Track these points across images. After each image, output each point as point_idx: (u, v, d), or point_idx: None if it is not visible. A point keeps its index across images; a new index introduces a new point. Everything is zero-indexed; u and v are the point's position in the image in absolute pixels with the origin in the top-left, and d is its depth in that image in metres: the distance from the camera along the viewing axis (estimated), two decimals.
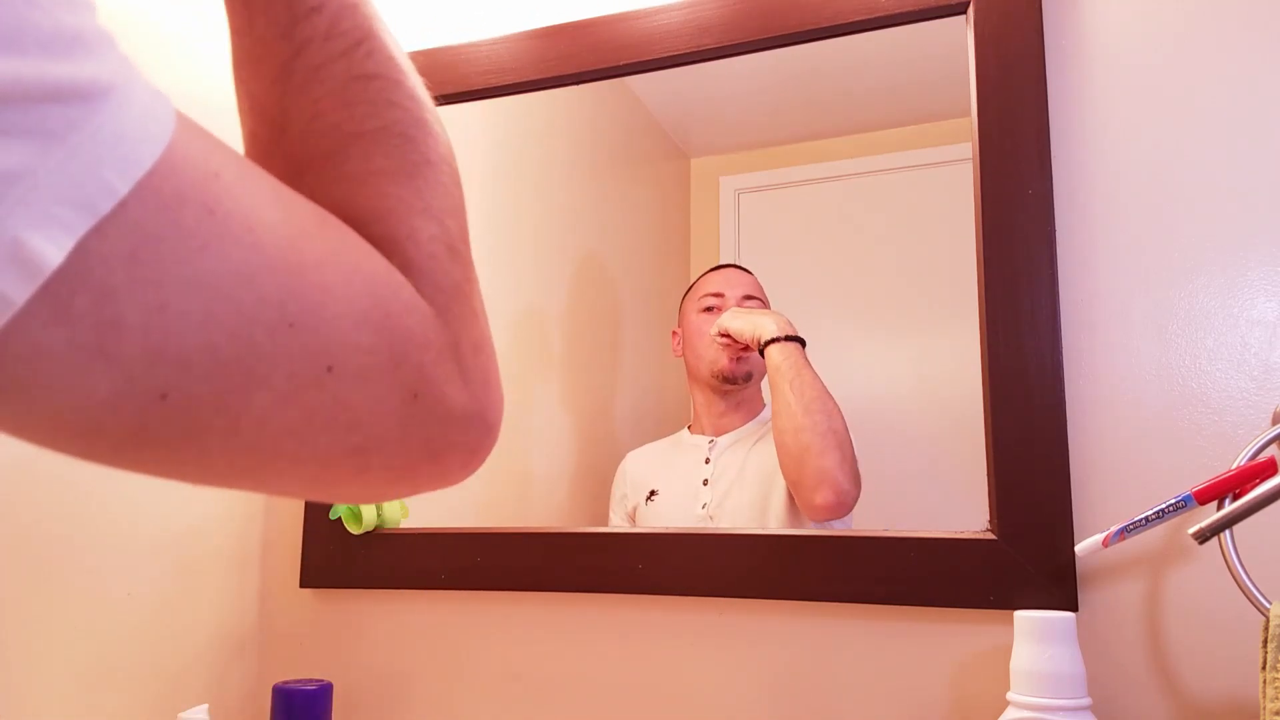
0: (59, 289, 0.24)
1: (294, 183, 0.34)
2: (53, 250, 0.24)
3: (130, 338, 0.26)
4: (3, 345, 0.24)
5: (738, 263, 1.12)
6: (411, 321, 0.33)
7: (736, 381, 1.09)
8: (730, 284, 1.10)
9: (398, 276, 0.34)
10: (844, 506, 0.95)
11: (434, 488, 0.38)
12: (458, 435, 0.36)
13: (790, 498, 1.00)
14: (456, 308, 0.36)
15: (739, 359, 1.07)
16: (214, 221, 0.28)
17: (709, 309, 1.10)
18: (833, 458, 0.95)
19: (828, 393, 0.98)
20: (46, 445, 0.28)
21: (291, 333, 0.29)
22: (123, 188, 0.25)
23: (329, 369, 0.31)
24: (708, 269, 1.13)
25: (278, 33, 0.38)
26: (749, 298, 1.09)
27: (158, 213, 0.26)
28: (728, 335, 1.06)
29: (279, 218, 0.30)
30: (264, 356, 0.29)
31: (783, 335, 1.00)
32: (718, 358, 1.08)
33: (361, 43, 0.38)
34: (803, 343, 1.01)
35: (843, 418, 0.97)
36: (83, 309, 0.25)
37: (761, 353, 1.01)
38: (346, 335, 0.31)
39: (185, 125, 0.28)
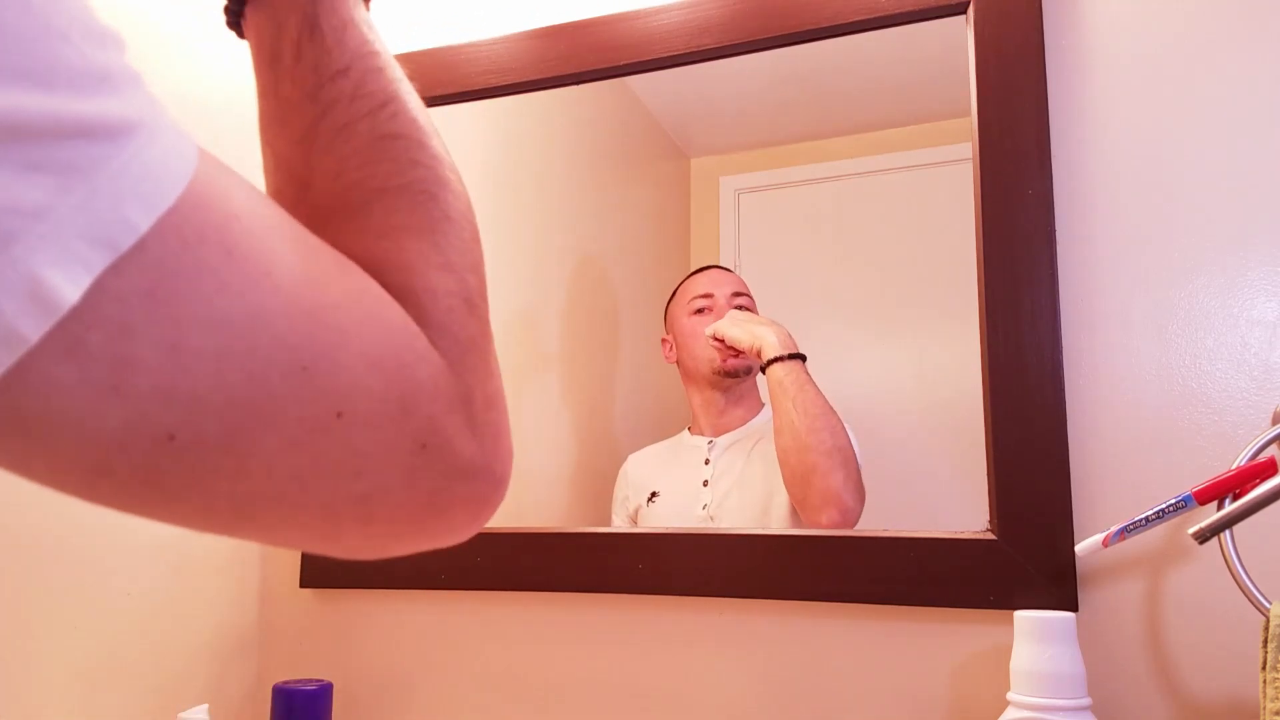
0: (73, 326, 0.24)
1: (317, 235, 0.35)
2: (70, 288, 0.24)
3: (143, 375, 0.26)
4: (14, 381, 0.24)
5: (723, 264, 1.13)
6: (423, 372, 0.33)
7: (737, 375, 1.09)
8: (718, 284, 1.11)
9: (413, 327, 0.34)
10: (849, 525, 0.95)
11: (440, 543, 0.38)
12: (464, 488, 0.36)
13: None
14: (470, 361, 0.36)
15: (737, 354, 1.07)
16: (232, 262, 0.28)
17: (700, 310, 1.10)
18: (838, 477, 0.96)
19: (831, 409, 0.98)
20: (50, 484, 0.28)
21: (304, 376, 0.29)
22: (143, 224, 0.25)
23: (339, 414, 0.30)
24: (689, 273, 1.13)
25: (305, 94, 0.38)
26: (738, 295, 1.09)
27: (177, 251, 0.26)
28: (722, 341, 1.05)
29: (297, 261, 0.30)
30: (275, 399, 0.29)
31: (786, 354, 1.00)
32: (714, 356, 1.08)
33: (387, 104, 0.39)
34: (803, 358, 1.00)
35: (846, 433, 0.97)
36: (97, 346, 0.25)
37: (763, 370, 1.01)
38: (359, 381, 0.31)
39: (208, 164, 0.28)
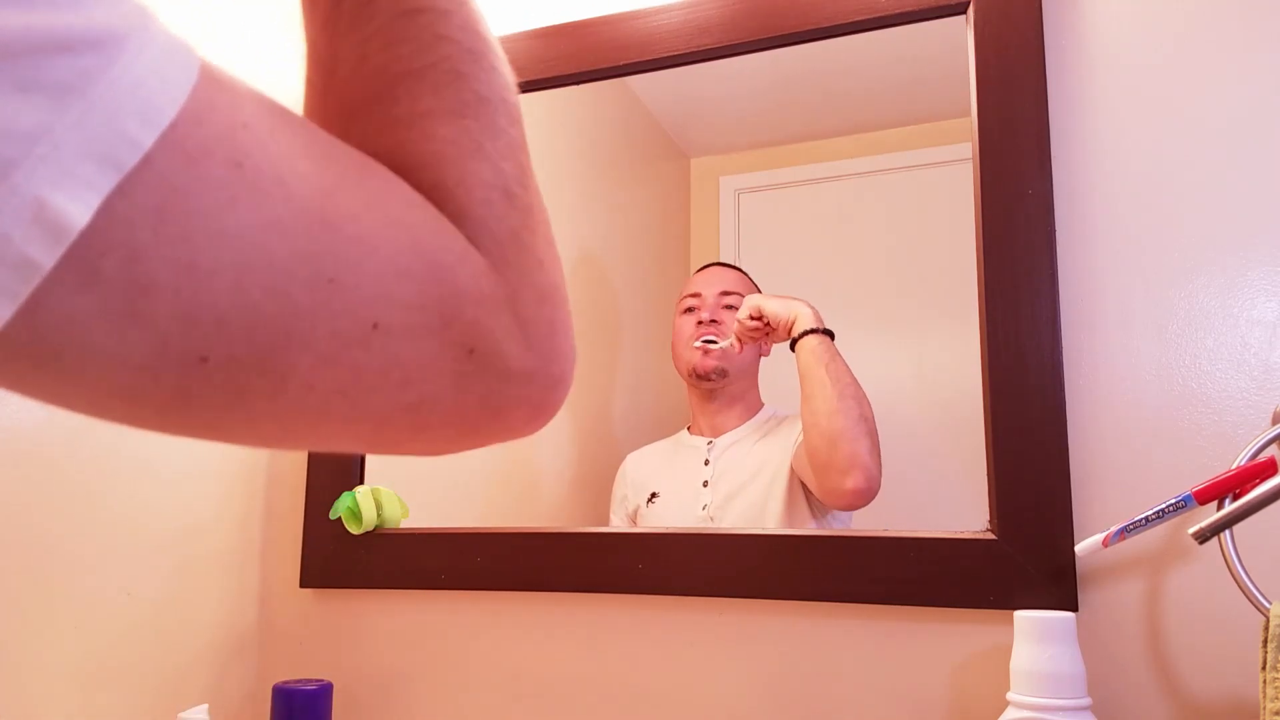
0: (85, 252, 0.23)
1: (344, 130, 0.33)
2: (79, 209, 0.23)
3: (162, 299, 0.25)
4: (33, 314, 0.23)
5: (725, 260, 1.13)
6: (463, 273, 0.32)
7: (710, 378, 1.09)
8: (708, 283, 1.11)
9: (448, 227, 0.32)
10: (871, 493, 0.95)
11: (501, 440, 0.36)
12: (518, 391, 0.34)
13: (789, 499, 1.00)
14: (514, 256, 0.34)
15: (708, 353, 1.08)
16: (242, 174, 0.26)
17: (688, 310, 1.11)
18: (864, 444, 0.96)
19: (858, 382, 0.98)
20: (91, 414, 0.28)
21: (332, 289, 0.28)
22: (146, 139, 0.24)
23: (374, 326, 0.29)
24: (695, 270, 1.13)
25: None
26: (726, 294, 1.09)
27: (183, 166, 0.25)
28: (761, 317, 1.05)
29: (313, 169, 0.29)
30: (304, 314, 0.27)
31: (820, 327, 1.01)
32: (690, 355, 1.09)
33: None
34: (832, 335, 1.01)
35: (871, 408, 0.98)
36: (111, 272, 0.24)
37: (793, 345, 1.01)
38: (391, 290, 0.30)
39: (210, 73, 0.27)
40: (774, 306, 1.04)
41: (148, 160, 0.24)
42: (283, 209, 0.27)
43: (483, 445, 0.36)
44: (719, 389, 1.09)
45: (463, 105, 0.35)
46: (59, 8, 0.23)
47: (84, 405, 0.27)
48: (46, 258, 0.23)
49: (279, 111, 0.30)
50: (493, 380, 0.33)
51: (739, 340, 1.07)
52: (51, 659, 0.87)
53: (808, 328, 1.00)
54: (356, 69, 0.35)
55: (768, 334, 1.05)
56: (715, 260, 1.13)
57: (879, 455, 0.96)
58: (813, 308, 1.02)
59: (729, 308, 1.09)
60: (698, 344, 1.08)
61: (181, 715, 0.88)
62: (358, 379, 0.29)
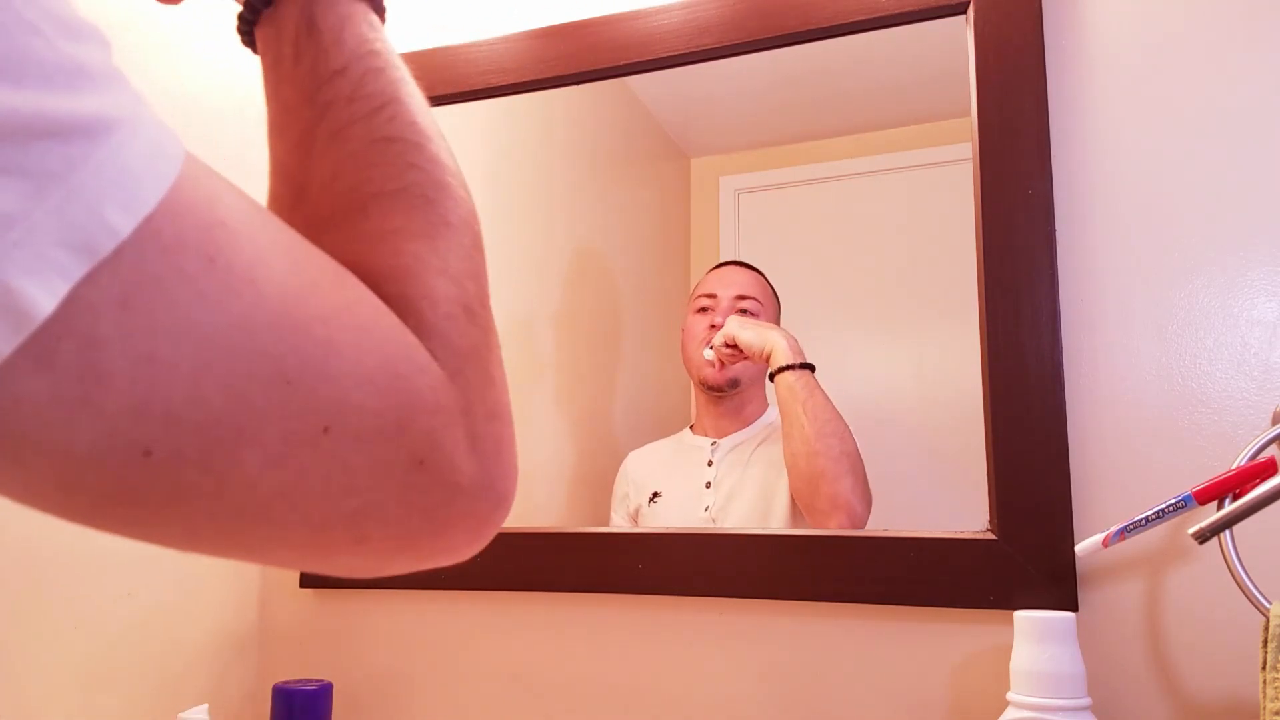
0: (44, 337, 0.23)
1: (314, 242, 0.34)
2: (45, 298, 0.23)
3: (116, 389, 0.24)
4: None
5: (741, 260, 1.12)
6: (421, 384, 0.32)
7: (721, 389, 1.08)
8: (724, 284, 1.10)
9: (410, 338, 0.32)
10: (857, 529, 0.95)
11: (438, 563, 0.36)
12: (464, 506, 0.34)
13: (793, 502, 1.00)
14: (471, 372, 0.34)
15: (723, 366, 1.07)
16: (213, 271, 0.26)
17: (702, 309, 1.10)
18: (846, 483, 0.96)
19: (839, 415, 0.98)
20: (25, 502, 0.27)
21: (288, 390, 0.28)
22: (124, 228, 0.24)
23: (325, 429, 0.29)
24: (711, 266, 1.12)
25: (303, 98, 0.37)
26: (742, 297, 1.08)
27: (155, 258, 0.25)
28: (735, 345, 1.05)
29: (285, 270, 0.29)
30: (257, 414, 0.27)
31: (796, 363, 1.00)
32: (702, 365, 1.08)
33: (385, 106, 0.38)
34: (812, 368, 1.00)
35: (854, 439, 0.98)
36: (68, 358, 0.24)
37: (772, 377, 1.01)
38: (348, 395, 0.29)
39: (194, 166, 0.27)
40: (748, 337, 1.04)
41: (121, 250, 0.24)
42: (251, 309, 0.27)
43: (417, 568, 0.36)
44: (724, 398, 1.09)
45: (431, 227, 0.36)
46: (52, 91, 0.23)
47: (18, 490, 0.26)
48: (5, 346, 0.23)
49: (257, 210, 0.30)
50: (439, 493, 0.33)
51: (719, 360, 1.07)
52: (51, 659, 0.87)
53: (783, 364, 1.00)
54: (328, 186, 0.36)
55: (730, 363, 1.05)
56: (732, 259, 1.12)
57: (864, 488, 0.96)
58: (790, 339, 1.02)
59: (743, 312, 1.08)
60: (709, 355, 1.08)
61: (181, 715, 0.88)
62: (302, 482, 0.29)
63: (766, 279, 1.10)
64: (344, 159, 0.36)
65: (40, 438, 0.24)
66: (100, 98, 0.25)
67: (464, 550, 0.36)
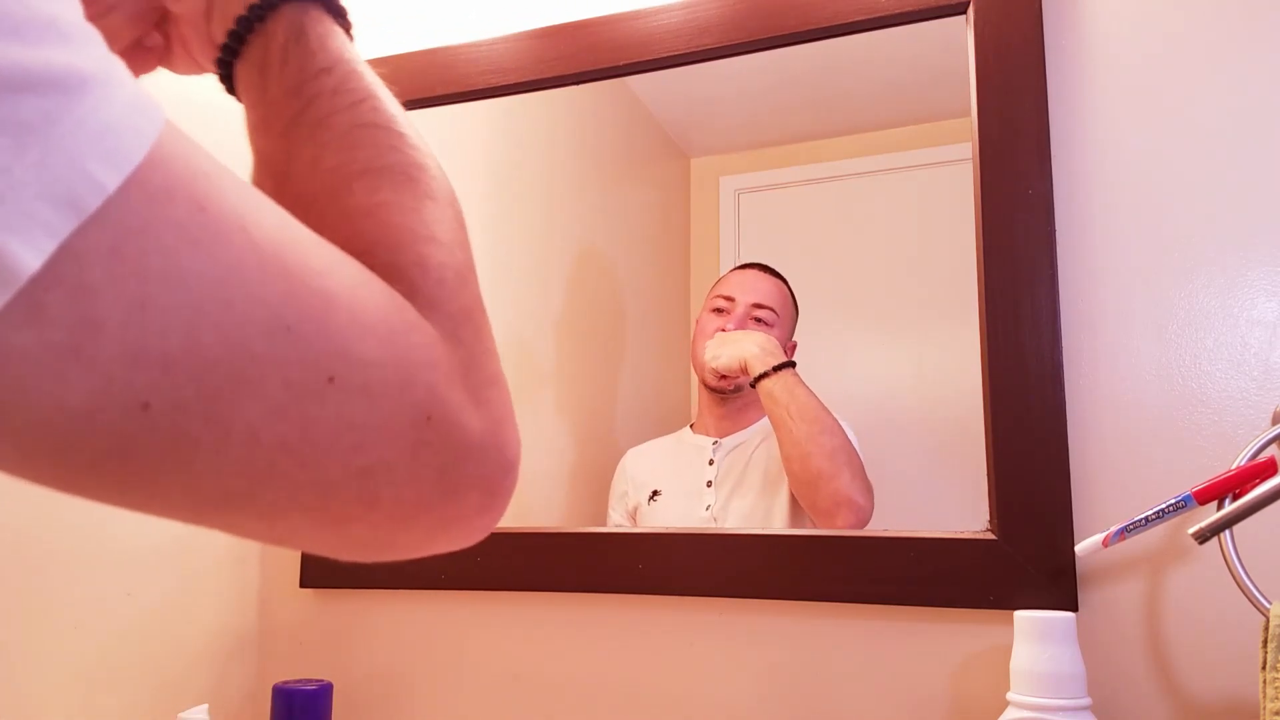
0: (33, 289, 0.23)
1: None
2: (30, 255, 0.22)
3: (108, 337, 0.24)
4: None
5: (767, 265, 1.11)
6: (417, 340, 0.31)
7: (726, 391, 1.08)
8: (744, 289, 1.09)
9: (401, 300, 0.32)
10: (863, 524, 0.95)
11: (449, 535, 0.35)
12: (475, 467, 0.33)
13: (794, 502, 1.00)
14: (466, 334, 0.34)
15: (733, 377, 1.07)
16: (205, 217, 0.26)
17: (718, 310, 1.09)
18: (844, 478, 0.96)
19: (826, 410, 0.98)
20: (18, 471, 0.26)
21: (289, 337, 0.27)
22: (111, 183, 0.24)
23: (331, 379, 0.28)
24: (736, 265, 1.12)
25: (288, 91, 0.39)
26: (758, 306, 1.07)
27: (144, 206, 0.24)
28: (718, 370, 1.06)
29: (277, 222, 0.29)
30: (257, 361, 0.26)
31: (770, 368, 1.00)
32: (708, 366, 1.08)
33: (366, 99, 0.39)
34: (791, 365, 1.00)
35: (844, 432, 0.97)
36: (57, 309, 0.23)
37: (754, 385, 1.01)
38: (350, 345, 0.29)
39: (172, 128, 0.27)
40: (724, 361, 1.04)
41: (108, 204, 0.24)
42: (244, 254, 0.27)
43: (430, 541, 0.35)
44: (730, 399, 1.09)
45: (416, 200, 0.37)
46: (25, 43, 0.23)
47: (14, 457, 0.25)
48: None
49: (238, 177, 0.30)
50: (449, 451, 0.32)
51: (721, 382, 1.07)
52: (51, 659, 0.87)
53: (759, 371, 1.00)
54: (312, 169, 0.37)
55: (730, 378, 1.06)
56: (758, 262, 1.11)
57: (863, 480, 0.96)
58: (759, 345, 1.01)
59: (759, 320, 1.07)
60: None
61: (181, 715, 0.88)
62: (308, 436, 0.28)
63: (788, 286, 1.09)
64: (327, 143, 0.37)
65: (35, 392, 0.23)
66: (73, 52, 0.24)
67: (475, 521, 0.35)
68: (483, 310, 0.37)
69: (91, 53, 0.25)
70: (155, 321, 0.24)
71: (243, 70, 0.42)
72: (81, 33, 0.25)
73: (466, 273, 0.37)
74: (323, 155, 0.37)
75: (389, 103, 0.41)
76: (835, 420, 0.97)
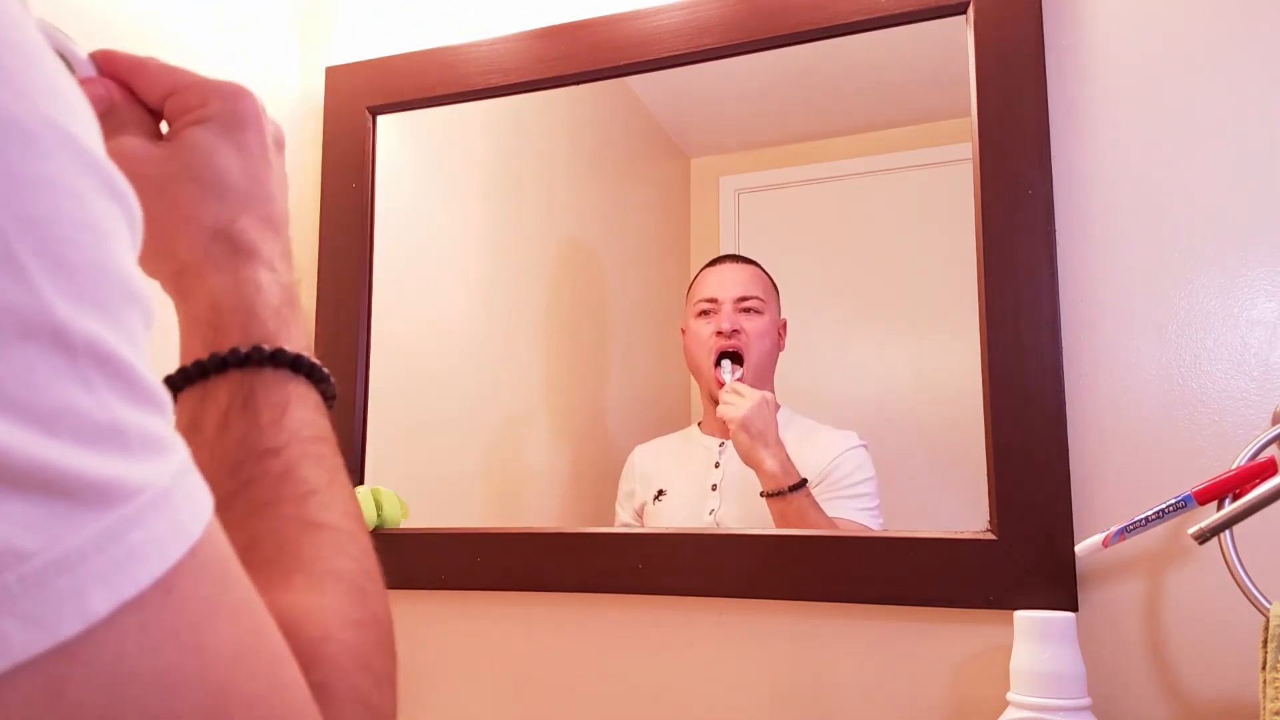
0: None
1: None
2: None
3: None
4: None
5: (736, 254, 1.11)
6: None
7: None
8: (724, 287, 1.08)
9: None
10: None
11: None
12: None
13: None
14: None
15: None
16: (172, 677, 0.25)
17: (704, 313, 1.08)
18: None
19: (835, 529, 0.96)
20: None
21: None
22: (99, 611, 0.23)
23: None
24: (706, 263, 1.11)
25: (222, 470, 0.36)
26: (743, 299, 1.07)
27: (112, 650, 0.24)
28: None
29: (237, 655, 0.28)
30: None
31: (784, 488, 0.97)
32: (712, 376, 1.06)
33: (317, 494, 0.37)
34: (803, 483, 0.97)
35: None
36: None
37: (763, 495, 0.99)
38: None
39: (206, 543, 0.26)
40: (739, 440, 1.01)
41: (83, 637, 0.23)
42: (192, 693, 0.25)
43: None
44: None
45: (362, 616, 0.36)
46: (78, 448, 0.23)
47: None
48: None
49: (234, 587, 0.28)
50: None
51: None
52: None
53: (772, 491, 0.97)
54: (244, 554, 0.33)
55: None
56: (728, 255, 1.10)
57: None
58: (778, 461, 0.98)
59: (747, 311, 1.07)
60: (722, 376, 1.06)
61: None
62: None
63: (763, 269, 1.09)
64: (266, 534, 0.35)
65: None
66: (128, 464, 0.24)
67: None
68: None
69: (148, 467, 0.25)
70: None
71: (179, 404, 0.38)
72: (147, 443, 0.25)
73: (389, 709, 0.36)
74: (257, 545, 0.34)
75: (343, 497, 0.39)
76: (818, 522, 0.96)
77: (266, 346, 0.39)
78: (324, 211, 1.14)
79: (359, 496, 1.04)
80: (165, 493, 0.25)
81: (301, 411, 0.39)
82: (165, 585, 0.25)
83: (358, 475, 1.09)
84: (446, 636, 1.03)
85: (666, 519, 1.07)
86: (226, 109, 0.43)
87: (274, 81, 1.17)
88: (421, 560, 1.03)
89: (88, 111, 0.27)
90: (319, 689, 0.31)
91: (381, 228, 1.13)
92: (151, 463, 0.25)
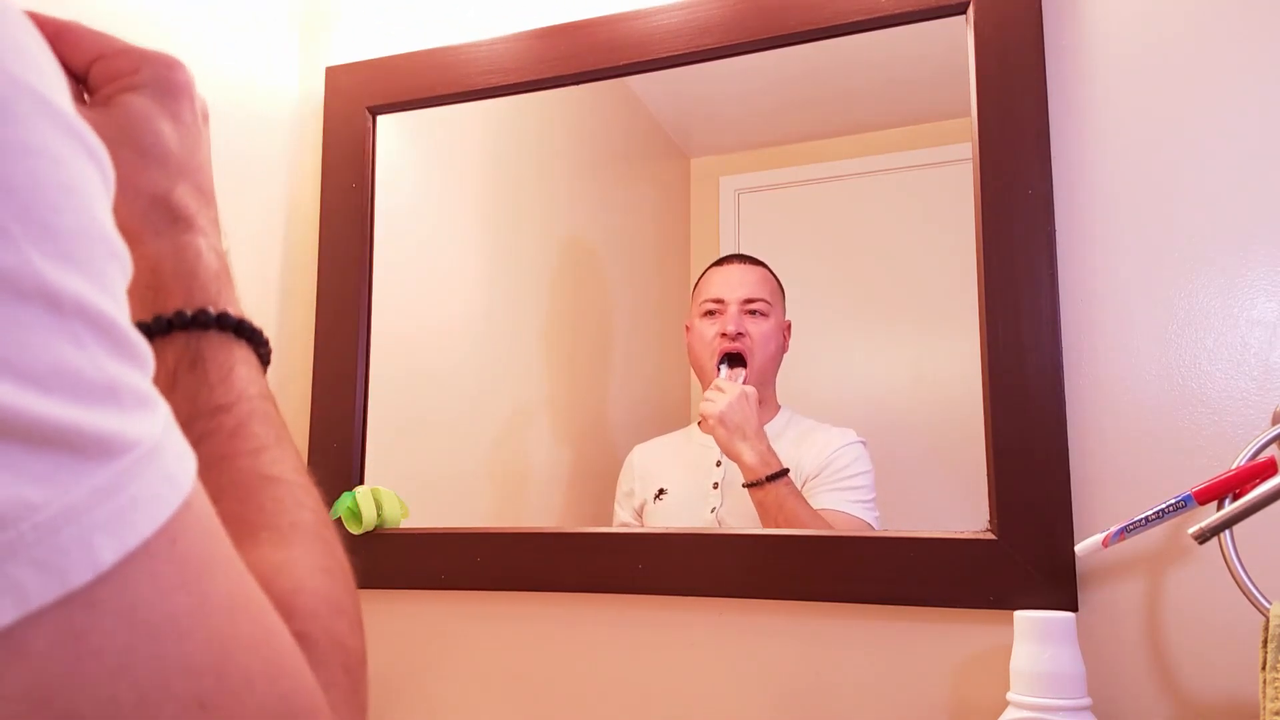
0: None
1: None
2: None
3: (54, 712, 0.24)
4: None
5: (743, 254, 1.10)
6: (309, 702, 0.31)
7: None
8: (730, 288, 1.08)
9: (312, 681, 0.32)
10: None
11: None
12: None
13: None
14: (352, 714, 0.35)
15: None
16: (176, 619, 0.26)
17: (709, 313, 1.08)
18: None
19: (817, 518, 0.97)
20: None
21: (202, 715, 0.27)
22: (107, 560, 0.24)
23: None
24: (712, 262, 1.11)
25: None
26: (750, 301, 1.07)
27: (119, 595, 0.25)
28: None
29: (231, 604, 0.29)
30: None
31: (763, 478, 0.98)
32: (713, 378, 1.07)
33: (269, 449, 0.38)
34: (785, 472, 0.98)
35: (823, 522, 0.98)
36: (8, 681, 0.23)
37: (745, 486, 1.00)
38: None
39: (194, 499, 0.27)
40: (719, 434, 1.02)
41: (95, 583, 0.24)
42: (190, 637, 0.27)
43: None
44: None
45: (327, 562, 0.37)
46: (76, 405, 0.24)
47: None
48: None
49: (220, 543, 0.29)
50: None
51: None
52: None
53: (751, 481, 0.99)
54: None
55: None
56: (734, 255, 1.10)
57: None
58: (757, 452, 0.99)
59: (752, 313, 1.07)
60: (723, 377, 1.06)
61: None
62: None
63: (770, 270, 1.09)
64: (226, 487, 0.36)
65: None
66: (122, 419, 0.25)
67: None
68: (365, 682, 0.38)
69: (139, 421, 0.26)
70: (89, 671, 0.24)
71: None
72: (137, 398, 0.26)
73: (360, 647, 0.37)
74: (219, 500, 0.35)
75: (293, 454, 0.40)
76: (825, 524, 0.97)
77: (212, 309, 0.40)
78: (324, 211, 1.14)
79: (359, 496, 1.04)
80: (158, 445, 0.26)
81: (245, 371, 0.40)
82: (169, 535, 0.26)
83: (358, 475, 1.09)
84: (447, 636, 1.03)
85: (667, 518, 1.07)
86: (160, 76, 0.43)
87: (274, 81, 1.17)
88: (421, 560, 1.03)
89: (55, 67, 0.27)
90: (299, 638, 0.32)
91: (381, 227, 1.13)
92: (143, 417, 0.26)
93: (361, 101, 1.13)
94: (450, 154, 1.21)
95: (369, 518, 1.04)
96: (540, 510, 1.15)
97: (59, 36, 0.43)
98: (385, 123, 1.14)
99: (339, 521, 1.05)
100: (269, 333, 0.43)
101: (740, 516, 1.03)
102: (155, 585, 0.25)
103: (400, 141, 1.15)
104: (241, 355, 0.41)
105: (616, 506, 1.10)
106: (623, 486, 1.10)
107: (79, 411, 0.24)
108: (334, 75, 1.16)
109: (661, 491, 1.08)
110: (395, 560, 1.04)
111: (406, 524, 1.06)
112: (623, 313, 1.21)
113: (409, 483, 1.09)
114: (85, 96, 0.44)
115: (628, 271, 1.22)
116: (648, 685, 0.94)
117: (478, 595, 1.02)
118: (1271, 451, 0.74)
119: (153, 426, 0.26)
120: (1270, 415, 0.78)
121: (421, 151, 1.19)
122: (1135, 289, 0.84)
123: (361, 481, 1.08)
